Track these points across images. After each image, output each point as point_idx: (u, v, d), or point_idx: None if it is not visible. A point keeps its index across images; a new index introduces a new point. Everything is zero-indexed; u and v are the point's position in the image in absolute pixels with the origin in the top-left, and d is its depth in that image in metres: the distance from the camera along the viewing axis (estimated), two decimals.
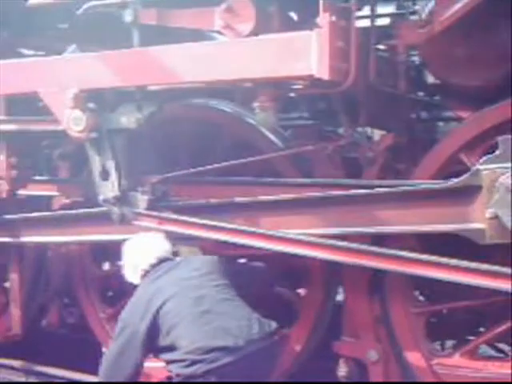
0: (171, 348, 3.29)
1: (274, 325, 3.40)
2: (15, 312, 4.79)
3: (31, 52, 5.13)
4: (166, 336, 3.30)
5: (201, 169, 3.99)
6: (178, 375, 3.26)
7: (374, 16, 3.82)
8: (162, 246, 3.76)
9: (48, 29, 4.84)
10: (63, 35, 4.73)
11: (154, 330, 3.33)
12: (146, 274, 3.64)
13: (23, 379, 4.99)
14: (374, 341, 3.88)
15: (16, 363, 5.07)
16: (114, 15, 3.98)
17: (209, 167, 3.99)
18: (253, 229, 3.71)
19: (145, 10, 3.83)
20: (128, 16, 3.82)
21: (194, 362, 3.18)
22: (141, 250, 3.72)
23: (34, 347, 5.06)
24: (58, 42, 4.68)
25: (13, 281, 4.80)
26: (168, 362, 3.33)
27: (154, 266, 3.63)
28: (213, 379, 3.17)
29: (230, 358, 3.16)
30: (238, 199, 3.86)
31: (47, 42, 4.89)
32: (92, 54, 3.98)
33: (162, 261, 3.66)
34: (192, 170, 4.01)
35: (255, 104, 3.54)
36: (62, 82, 4.02)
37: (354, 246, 3.50)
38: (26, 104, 4.57)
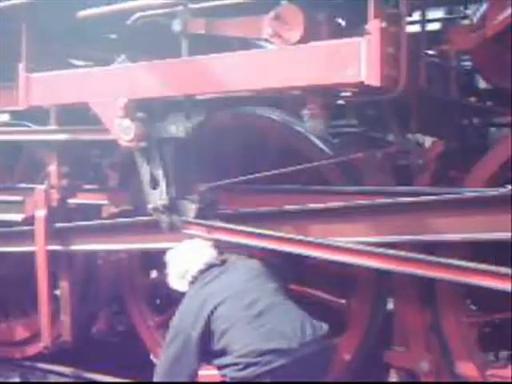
0: (223, 353, 3.28)
1: (326, 327, 3.36)
2: (65, 319, 4.83)
3: (81, 63, 5.21)
4: (219, 341, 3.30)
5: (249, 177, 3.98)
6: (232, 379, 3.24)
7: (424, 21, 3.78)
8: (209, 252, 3.77)
9: (97, 39, 4.92)
10: (112, 45, 4.80)
11: (206, 336, 3.33)
12: (194, 280, 3.65)
13: None
14: (425, 351, 3.82)
15: (66, 370, 5.13)
16: (163, 25, 4.00)
17: (257, 175, 3.98)
18: (301, 237, 3.68)
19: (193, 20, 3.85)
20: (177, 25, 3.84)
21: (247, 365, 3.16)
22: (188, 257, 3.73)
23: (84, 354, 5.10)
24: (108, 52, 4.76)
25: (63, 288, 4.84)
26: (221, 367, 3.31)
27: (202, 272, 3.64)
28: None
29: (283, 361, 3.14)
30: (287, 207, 3.85)
31: (97, 53, 4.97)
32: (141, 64, 4.01)
33: (210, 266, 3.66)
34: (240, 179, 4.01)
35: (304, 112, 3.53)
36: (112, 91, 4.07)
37: (403, 254, 3.44)
38: (76, 114, 4.64)
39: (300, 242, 3.66)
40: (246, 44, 4.38)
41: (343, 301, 4.17)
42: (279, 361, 3.14)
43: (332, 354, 3.51)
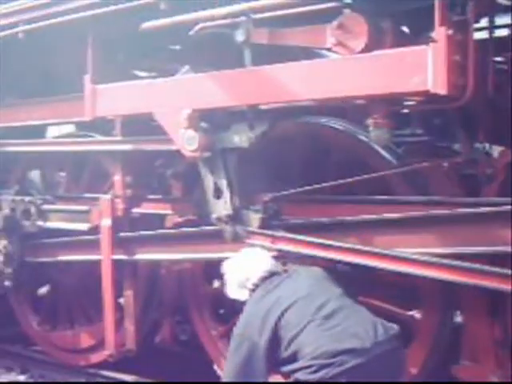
0: (293, 359, 3.24)
1: (397, 328, 3.31)
2: (129, 328, 4.88)
3: (145, 74, 5.27)
4: (288, 347, 3.25)
5: (314, 187, 3.95)
6: (306, 382, 3.19)
7: (492, 27, 3.69)
8: (270, 260, 3.73)
9: (160, 50, 4.97)
10: (175, 56, 4.84)
11: (274, 343, 3.29)
12: (255, 288, 3.60)
13: None
14: (495, 366, 3.71)
15: (129, 378, 5.18)
16: (226, 35, 4.01)
17: (321, 185, 3.95)
18: (367, 248, 3.63)
19: (256, 30, 3.85)
20: (240, 36, 3.85)
21: (321, 367, 3.11)
22: (249, 265, 3.68)
23: (147, 363, 5.15)
24: (171, 63, 4.80)
25: (127, 297, 4.90)
26: (292, 372, 3.25)
27: (264, 280, 3.60)
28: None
29: (358, 361, 3.10)
30: (351, 217, 3.80)
31: (160, 64, 5.02)
32: (205, 75, 4.03)
33: (272, 274, 3.63)
34: (303, 188, 3.98)
35: (369, 121, 3.49)
36: (176, 102, 4.11)
37: (471, 265, 3.36)
38: (141, 124, 4.70)
39: (366, 253, 3.61)
40: (307, 53, 4.35)
41: (410, 313, 4.09)
42: (353, 361, 3.09)
43: (405, 354, 3.44)
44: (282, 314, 3.31)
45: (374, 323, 3.25)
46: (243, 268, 3.68)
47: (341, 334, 3.17)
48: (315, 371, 3.11)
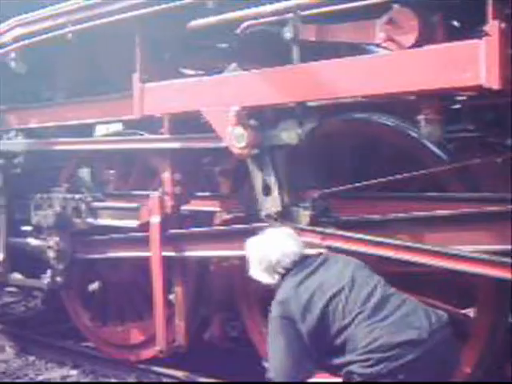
0: (341, 350, 3.13)
1: (446, 315, 3.21)
2: (179, 324, 4.92)
3: (192, 72, 5.29)
4: (337, 337, 3.14)
5: (363, 183, 3.92)
6: (361, 376, 3.07)
7: None
8: (300, 243, 3.55)
9: (207, 48, 4.98)
10: (222, 54, 4.85)
11: (320, 330, 3.18)
12: (286, 272, 3.42)
13: None
14: None
15: (180, 374, 5.21)
16: (274, 32, 4.00)
17: (371, 182, 3.92)
18: (418, 245, 3.59)
19: (304, 26, 3.83)
20: (288, 33, 3.84)
21: (379, 361, 3.00)
22: (280, 248, 3.46)
23: (197, 359, 5.18)
24: (218, 61, 4.81)
25: (177, 294, 4.93)
26: (344, 365, 3.13)
27: (296, 264, 3.42)
28: (401, 377, 3.00)
29: (416, 353, 3.00)
30: (402, 214, 3.76)
31: (207, 62, 5.03)
32: (253, 72, 4.03)
33: (304, 258, 3.46)
34: (353, 185, 3.95)
35: (420, 117, 3.45)
36: (224, 99, 4.11)
37: None
38: (189, 122, 4.72)
39: (417, 250, 3.57)
40: (352, 49, 4.31)
41: (463, 311, 4.03)
42: (412, 353, 2.99)
43: (457, 341, 3.30)
44: (330, 301, 3.18)
45: (427, 311, 3.15)
46: (273, 250, 3.47)
47: (396, 326, 3.06)
48: (372, 365, 3.01)
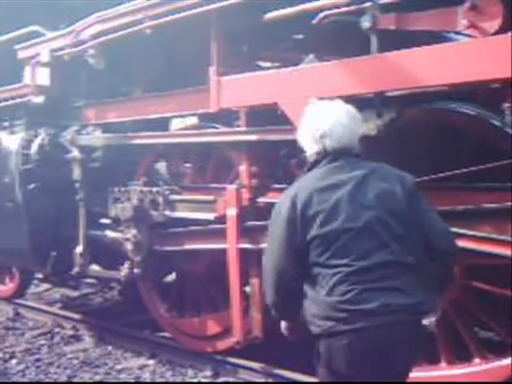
0: (314, 280, 2.79)
1: (427, 306, 2.81)
2: (256, 316, 4.94)
3: (268, 64, 5.30)
4: (313, 266, 2.80)
5: (446, 174, 3.84)
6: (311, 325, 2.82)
7: None
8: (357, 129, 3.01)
9: (283, 40, 4.98)
10: (299, 46, 4.84)
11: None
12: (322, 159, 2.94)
13: (263, 381, 5.13)
14: None
15: (256, 365, 5.23)
16: (351, 22, 3.97)
17: (453, 172, 3.84)
18: (504, 237, 3.51)
19: (383, 15, 3.79)
20: (366, 22, 3.80)
21: (329, 318, 2.71)
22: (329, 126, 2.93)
23: (273, 351, 5.18)
24: (294, 52, 4.80)
25: (253, 285, 4.95)
26: (305, 298, 2.85)
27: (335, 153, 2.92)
28: (344, 342, 2.69)
29: (366, 323, 2.68)
30: (485, 205, 3.68)
31: (283, 54, 5.03)
32: (330, 63, 4.01)
33: (345, 148, 2.95)
34: (437, 175, 3.88)
35: (505, 105, 3.37)
36: (301, 91, 4.10)
37: None
38: (265, 114, 4.72)
39: (502, 242, 3.49)
40: (431, 37, 4.24)
41: None
42: (363, 322, 2.68)
43: (423, 331, 2.86)
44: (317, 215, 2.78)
45: (413, 287, 2.75)
46: (321, 125, 2.96)
47: (364, 292, 2.70)
48: (323, 319, 2.74)
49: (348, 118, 2.98)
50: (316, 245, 2.80)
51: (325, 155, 2.94)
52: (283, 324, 3.23)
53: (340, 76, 3.91)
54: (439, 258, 2.87)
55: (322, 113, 3.01)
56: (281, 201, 3.00)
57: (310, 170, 3.02)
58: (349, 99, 3.94)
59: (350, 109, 3.03)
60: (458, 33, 3.82)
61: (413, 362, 2.91)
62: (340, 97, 3.92)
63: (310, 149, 3.01)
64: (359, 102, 3.92)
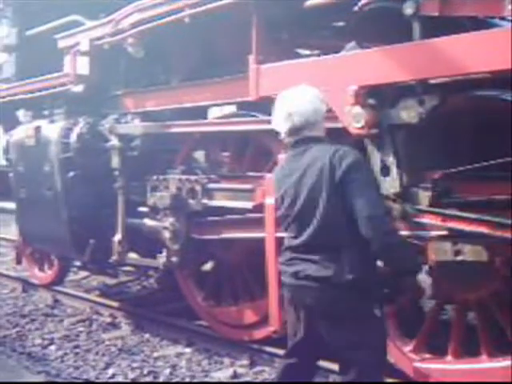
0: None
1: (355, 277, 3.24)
2: None
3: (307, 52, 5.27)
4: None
5: (488, 163, 3.77)
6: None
7: None
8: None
9: (323, 28, 4.94)
10: (339, 33, 4.79)
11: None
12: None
13: None
14: None
15: None
16: (393, 8, 3.91)
17: (495, 161, 3.77)
18: None
19: (426, 1, 3.73)
20: (409, 8, 3.75)
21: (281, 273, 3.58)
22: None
23: None
24: (334, 40, 4.76)
25: None
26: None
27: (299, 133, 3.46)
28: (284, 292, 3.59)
29: (289, 281, 3.45)
30: None
31: (323, 41, 4.99)
32: (372, 50, 3.96)
33: (311, 124, 3.47)
34: (480, 164, 3.81)
35: None
36: (342, 79, 4.06)
37: None
38: None
39: None
40: (473, 23, 4.16)
41: None
42: (287, 280, 3.46)
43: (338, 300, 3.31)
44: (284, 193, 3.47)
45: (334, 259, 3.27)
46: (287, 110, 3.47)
47: (295, 260, 3.41)
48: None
49: (312, 97, 3.49)
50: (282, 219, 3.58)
51: (293, 137, 3.49)
52: None
53: (382, 63, 3.86)
54: (370, 242, 3.22)
55: (289, 95, 3.52)
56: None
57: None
58: (390, 86, 3.97)
59: (314, 90, 3.55)
60: (503, 18, 3.74)
61: (333, 329, 3.37)
62: (381, 84, 3.93)
63: (282, 129, 3.53)
64: (400, 90, 3.93)
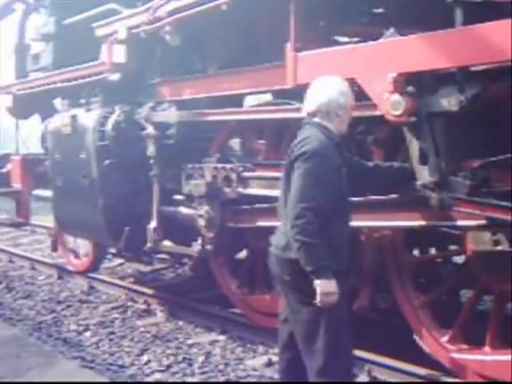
0: None
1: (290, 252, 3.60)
2: None
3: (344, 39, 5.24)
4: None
5: None
6: None
7: None
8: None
9: (362, 14, 4.89)
10: (378, 20, 4.75)
11: None
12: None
13: None
14: None
15: None
16: None
17: None
18: None
19: None
20: None
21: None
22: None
23: None
24: (373, 27, 4.72)
25: None
26: None
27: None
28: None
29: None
30: None
31: (361, 28, 4.95)
32: (411, 37, 3.92)
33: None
34: None
35: None
36: (381, 66, 4.03)
37: None
38: None
39: None
40: None
41: None
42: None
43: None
44: None
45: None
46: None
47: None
48: None
49: (331, 88, 3.76)
50: None
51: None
52: None
53: (422, 50, 3.81)
54: None
55: (313, 83, 3.85)
56: None
57: None
58: (430, 74, 3.93)
59: (339, 82, 3.80)
60: None
61: (293, 297, 3.72)
62: (421, 71, 3.89)
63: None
64: (440, 77, 3.89)
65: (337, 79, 3.83)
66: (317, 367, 3.61)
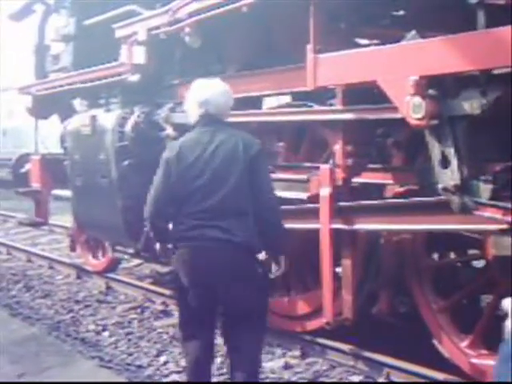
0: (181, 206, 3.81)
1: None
2: (347, 297, 4.88)
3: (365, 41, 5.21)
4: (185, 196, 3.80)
5: None
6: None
7: None
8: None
9: (383, 17, 4.87)
10: (399, 22, 4.72)
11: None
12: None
13: (351, 363, 5.10)
14: None
15: (345, 347, 5.19)
16: None
17: None
18: None
19: None
20: None
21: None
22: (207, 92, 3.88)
23: (363, 333, 5.13)
24: (394, 29, 4.69)
25: (345, 267, 4.89)
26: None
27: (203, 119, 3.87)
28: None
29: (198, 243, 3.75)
30: None
31: (382, 30, 4.92)
32: (433, 39, 3.89)
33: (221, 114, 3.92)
34: None
35: None
36: (402, 69, 4.00)
37: None
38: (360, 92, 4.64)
39: None
40: None
41: None
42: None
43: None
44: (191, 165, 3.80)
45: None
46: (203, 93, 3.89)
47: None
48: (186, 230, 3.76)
49: (223, 91, 3.96)
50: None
51: (203, 119, 3.87)
52: None
53: (444, 53, 3.78)
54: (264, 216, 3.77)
55: (204, 86, 3.95)
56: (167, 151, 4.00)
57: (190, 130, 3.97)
58: (452, 77, 3.90)
59: (224, 85, 4.00)
60: None
61: (242, 291, 3.72)
62: (442, 74, 3.86)
63: (195, 113, 3.91)
64: (462, 80, 3.85)
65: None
66: None
